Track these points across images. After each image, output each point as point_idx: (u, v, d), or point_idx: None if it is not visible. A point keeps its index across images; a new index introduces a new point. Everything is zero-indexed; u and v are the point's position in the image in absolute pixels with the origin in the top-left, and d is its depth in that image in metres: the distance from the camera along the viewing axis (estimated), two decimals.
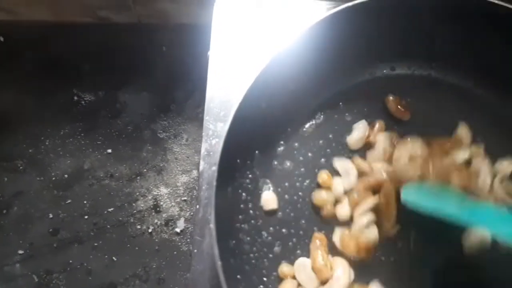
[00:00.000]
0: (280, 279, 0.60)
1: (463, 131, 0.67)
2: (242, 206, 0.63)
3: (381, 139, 0.66)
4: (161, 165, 1.08)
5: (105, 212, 1.03)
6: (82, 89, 1.14)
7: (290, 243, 0.62)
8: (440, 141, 0.65)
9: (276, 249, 0.62)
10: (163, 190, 1.05)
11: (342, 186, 0.64)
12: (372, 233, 0.61)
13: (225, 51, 0.73)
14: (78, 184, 1.06)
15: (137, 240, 1.01)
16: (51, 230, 1.02)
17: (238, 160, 0.62)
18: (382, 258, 0.61)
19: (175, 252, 0.99)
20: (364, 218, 0.61)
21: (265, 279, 0.60)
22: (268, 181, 0.65)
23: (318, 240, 0.61)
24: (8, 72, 1.14)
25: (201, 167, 0.66)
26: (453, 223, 0.53)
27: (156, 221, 1.02)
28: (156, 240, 1.01)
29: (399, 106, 0.69)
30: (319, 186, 0.65)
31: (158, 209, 1.03)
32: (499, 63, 0.67)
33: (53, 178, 1.07)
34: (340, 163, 0.66)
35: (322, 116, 0.70)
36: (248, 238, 0.62)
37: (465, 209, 0.54)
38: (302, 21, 0.69)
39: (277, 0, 0.76)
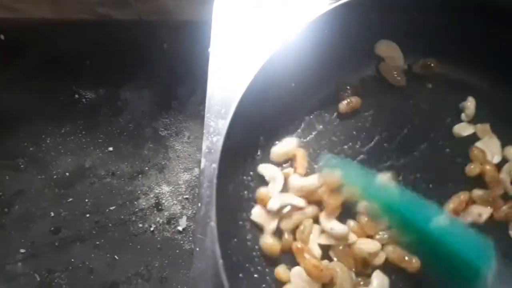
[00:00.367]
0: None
1: (469, 103, 0.67)
2: (243, 204, 0.62)
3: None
4: (163, 163, 1.07)
5: (107, 210, 1.03)
6: (83, 87, 1.13)
7: None
8: None
9: None
10: (165, 188, 1.05)
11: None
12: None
13: (226, 48, 0.73)
14: (79, 182, 1.06)
15: (139, 239, 1.00)
16: (52, 228, 1.02)
17: (239, 158, 0.62)
18: None
19: (177, 251, 0.99)
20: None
21: (267, 278, 0.60)
22: None
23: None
24: (8, 70, 1.13)
25: (202, 165, 0.65)
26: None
27: (158, 219, 1.02)
28: (158, 238, 1.00)
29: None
30: None
31: (160, 207, 1.03)
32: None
33: (54, 177, 1.06)
34: (266, 170, 0.65)
35: (324, 113, 0.70)
36: (250, 236, 0.62)
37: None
38: (303, 16, 0.69)
39: None
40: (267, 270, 0.60)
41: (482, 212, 0.61)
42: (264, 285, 0.59)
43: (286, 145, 0.66)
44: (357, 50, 0.69)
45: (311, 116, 0.70)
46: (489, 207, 0.61)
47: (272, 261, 0.61)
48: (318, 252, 0.60)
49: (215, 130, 0.67)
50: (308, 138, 0.68)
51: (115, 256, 0.99)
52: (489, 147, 0.65)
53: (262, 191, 0.62)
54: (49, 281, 0.97)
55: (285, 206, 0.61)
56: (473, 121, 0.68)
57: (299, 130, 0.69)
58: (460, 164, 0.65)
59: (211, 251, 0.61)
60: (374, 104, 0.70)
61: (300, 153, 0.65)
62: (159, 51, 1.14)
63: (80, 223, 1.02)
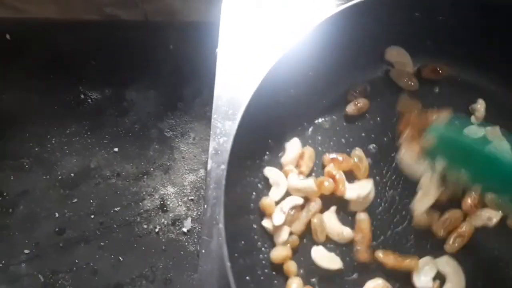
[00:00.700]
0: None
1: (479, 105, 0.66)
2: (252, 205, 0.62)
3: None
4: (168, 164, 1.07)
5: (112, 211, 1.02)
6: (88, 87, 1.13)
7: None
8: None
9: None
10: (170, 190, 1.04)
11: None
12: None
13: (234, 49, 0.72)
14: (84, 183, 1.05)
15: (143, 240, 1.00)
16: (57, 229, 1.01)
17: (247, 159, 0.61)
18: None
19: (182, 252, 0.99)
20: None
21: (275, 281, 0.59)
22: None
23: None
24: (14, 70, 1.14)
25: (209, 166, 0.65)
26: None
27: (163, 220, 1.01)
28: (163, 240, 1.00)
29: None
30: None
31: (165, 208, 1.02)
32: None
33: (59, 177, 1.06)
34: (271, 174, 0.64)
35: (332, 115, 0.70)
36: (258, 238, 0.61)
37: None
38: (311, 18, 0.68)
39: None
40: (274, 273, 0.60)
41: (492, 216, 0.61)
42: None
43: (292, 151, 0.66)
44: (366, 51, 0.69)
45: (320, 119, 0.69)
46: (500, 211, 0.61)
47: (280, 264, 0.60)
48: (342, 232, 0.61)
49: (222, 131, 0.67)
50: (316, 140, 0.68)
51: (120, 257, 0.99)
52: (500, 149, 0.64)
53: (264, 202, 0.62)
54: (53, 282, 0.97)
55: (289, 211, 0.61)
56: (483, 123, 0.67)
57: (307, 132, 0.68)
58: None
59: (217, 253, 0.61)
60: (382, 106, 0.70)
61: (308, 152, 0.65)
62: (165, 52, 1.14)
63: (84, 224, 1.02)
